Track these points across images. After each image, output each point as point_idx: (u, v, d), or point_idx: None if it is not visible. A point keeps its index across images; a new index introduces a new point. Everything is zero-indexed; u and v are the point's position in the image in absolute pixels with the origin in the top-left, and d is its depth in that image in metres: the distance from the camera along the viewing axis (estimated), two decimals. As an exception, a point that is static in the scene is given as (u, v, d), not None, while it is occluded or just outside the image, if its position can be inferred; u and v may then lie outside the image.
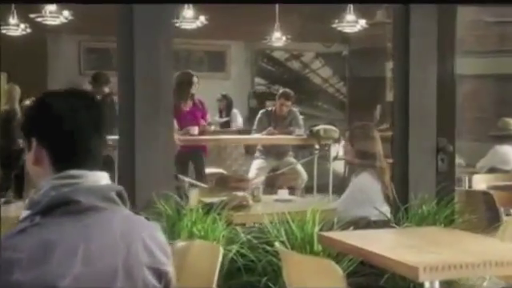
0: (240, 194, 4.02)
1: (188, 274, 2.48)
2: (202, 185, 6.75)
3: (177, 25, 6.78)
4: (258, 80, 11.93)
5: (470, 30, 8.35)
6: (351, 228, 3.28)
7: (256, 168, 7.28)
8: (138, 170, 3.10)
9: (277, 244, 2.79)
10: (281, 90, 7.75)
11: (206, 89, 8.75)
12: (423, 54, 3.64)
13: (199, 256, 2.48)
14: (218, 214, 3.11)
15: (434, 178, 3.71)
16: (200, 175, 6.67)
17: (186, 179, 6.86)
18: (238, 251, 3.06)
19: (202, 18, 6.74)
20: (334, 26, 7.14)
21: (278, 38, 8.71)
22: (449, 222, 3.53)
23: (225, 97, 8.86)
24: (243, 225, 3.68)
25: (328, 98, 12.09)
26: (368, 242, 2.78)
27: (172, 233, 2.94)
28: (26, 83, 8.56)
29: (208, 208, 3.17)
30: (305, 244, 3.18)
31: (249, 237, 3.13)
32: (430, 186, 3.64)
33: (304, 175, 7.30)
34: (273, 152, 7.36)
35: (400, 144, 3.67)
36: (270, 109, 7.50)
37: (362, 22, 7.04)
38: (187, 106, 6.81)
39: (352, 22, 7.04)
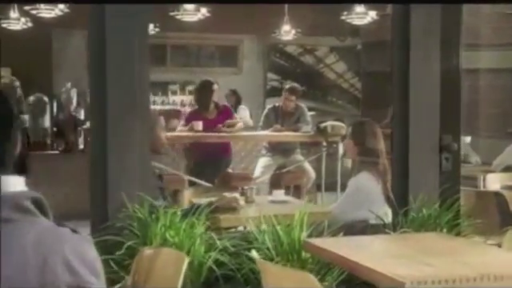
0: (229, 194, 3.77)
1: (154, 283, 2.27)
2: (204, 183, 6.54)
3: (177, 17, 6.58)
4: (270, 75, 11.70)
5: (487, 22, 8.01)
6: (341, 234, 3.02)
7: (262, 166, 7.04)
8: (111, 170, 2.87)
9: (254, 252, 2.54)
10: (287, 85, 7.50)
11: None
12: (425, 46, 3.37)
13: (165, 264, 2.27)
14: (197, 218, 2.86)
15: (437, 179, 3.43)
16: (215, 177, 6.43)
17: (185, 177, 6.67)
18: (217, 259, 2.81)
19: (204, 10, 6.52)
20: (343, 17, 6.88)
21: (286, 32, 8.48)
22: (451, 227, 3.25)
23: (234, 92, 8.60)
24: (230, 228, 3.45)
25: (342, 94, 11.84)
26: (355, 250, 2.53)
27: (144, 238, 2.72)
28: (30, 78, 8.44)
29: (186, 211, 2.93)
30: (291, 251, 2.93)
31: (227, 244, 2.87)
32: (432, 188, 3.36)
33: (311, 173, 7.04)
34: (279, 149, 7.11)
35: (399, 142, 3.40)
36: (277, 104, 7.25)
37: (373, 14, 6.78)
38: (212, 115, 6.67)
39: (361, 14, 6.78)
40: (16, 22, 6.98)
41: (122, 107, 2.89)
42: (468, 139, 7.14)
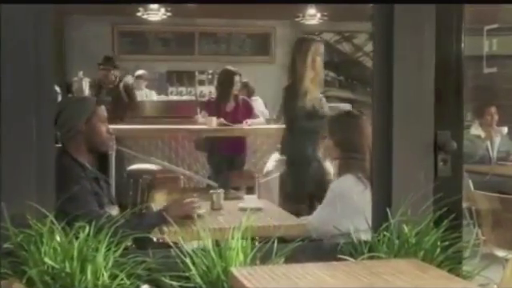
0: (186, 200, 3.18)
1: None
2: (210, 182, 6.00)
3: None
4: (305, 64, 11.02)
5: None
6: (282, 261, 2.37)
7: (275, 160, 6.42)
8: (4, 178, 2.32)
9: (144, 288, 1.94)
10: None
11: (248, 75, 8.07)
12: (414, 26, 2.70)
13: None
14: (110, 234, 2.27)
15: (431, 187, 2.73)
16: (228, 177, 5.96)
17: (185, 173, 6.13)
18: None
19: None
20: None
21: (311, 16, 7.85)
22: (443, 249, 2.55)
23: (246, 85, 8.06)
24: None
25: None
26: (284, 286, 1.89)
27: (26, 263, 2.15)
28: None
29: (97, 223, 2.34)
30: (227, 279, 2.31)
31: (121, 272, 2.25)
32: (423, 198, 2.67)
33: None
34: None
35: (381, 140, 2.72)
36: (292, 95, 6.60)
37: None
38: (230, 107, 6.23)
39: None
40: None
41: (17, 102, 2.33)
42: (505, 130, 6.40)
